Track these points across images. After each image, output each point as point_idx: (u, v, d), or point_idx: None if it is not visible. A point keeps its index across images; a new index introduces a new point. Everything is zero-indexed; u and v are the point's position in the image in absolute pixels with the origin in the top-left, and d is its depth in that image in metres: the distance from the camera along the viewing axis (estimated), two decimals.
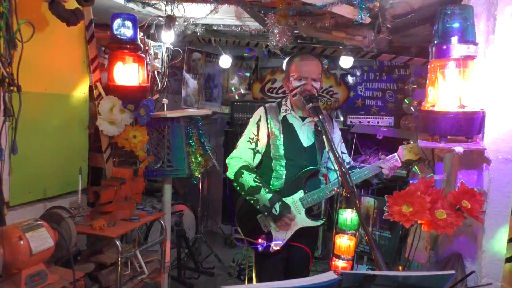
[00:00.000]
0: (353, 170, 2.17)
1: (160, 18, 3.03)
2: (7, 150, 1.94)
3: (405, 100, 4.23)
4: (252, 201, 2.16)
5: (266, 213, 2.13)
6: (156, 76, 3.18)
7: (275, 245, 2.17)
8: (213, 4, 2.56)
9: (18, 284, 1.60)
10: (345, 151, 2.38)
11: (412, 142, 2.12)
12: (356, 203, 1.66)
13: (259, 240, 2.19)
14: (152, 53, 3.11)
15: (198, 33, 3.25)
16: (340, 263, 3.20)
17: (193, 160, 2.88)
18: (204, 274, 3.87)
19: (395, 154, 2.13)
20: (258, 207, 2.14)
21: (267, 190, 2.12)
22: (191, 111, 3.25)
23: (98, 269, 2.25)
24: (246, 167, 2.21)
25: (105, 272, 2.25)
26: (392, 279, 1.06)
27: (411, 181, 2.81)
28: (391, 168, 2.11)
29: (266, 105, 2.33)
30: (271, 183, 2.22)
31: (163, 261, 2.64)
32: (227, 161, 2.30)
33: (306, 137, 2.24)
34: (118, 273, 2.13)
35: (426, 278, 1.09)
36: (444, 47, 1.63)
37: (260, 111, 2.29)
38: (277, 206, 2.08)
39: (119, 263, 2.13)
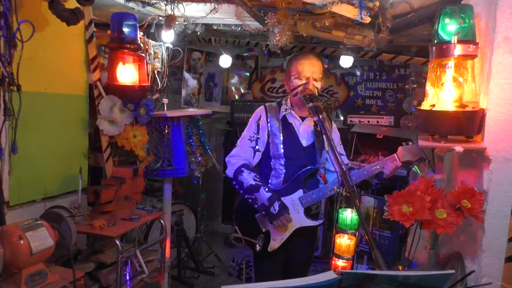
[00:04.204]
0: (351, 172, 2.16)
1: (160, 18, 3.02)
2: (7, 149, 1.94)
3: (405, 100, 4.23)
4: (250, 200, 2.15)
5: (263, 212, 2.13)
6: (156, 75, 3.18)
7: (273, 245, 2.17)
8: (213, 4, 2.56)
9: (19, 283, 1.60)
10: (343, 152, 2.37)
11: (412, 142, 2.12)
12: (356, 202, 1.66)
13: (257, 239, 2.18)
14: (152, 53, 3.11)
15: (198, 33, 3.25)
16: (340, 263, 3.21)
17: (193, 160, 2.88)
18: (204, 273, 3.87)
19: (394, 155, 2.13)
20: (256, 205, 2.13)
21: (266, 189, 2.12)
22: (191, 111, 3.25)
23: (98, 268, 2.25)
24: (246, 166, 2.20)
25: (105, 272, 2.25)
26: (392, 279, 1.06)
27: (411, 181, 2.82)
28: (391, 171, 2.11)
29: (266, 104, 2.33)
30: (269, 181, 2.22)
31: (163, 261, 2.64)
32: (226, 159, 2.29)
33: (305, 137, 2.24)
34: (118, 273, 2.13)
35: (426, 278, 1.09)
36: (444, 46, 1.63)
37: (260, 110, 2.29)
38: (276, 205, 2.07)
39: (119, 262, 2.13)
